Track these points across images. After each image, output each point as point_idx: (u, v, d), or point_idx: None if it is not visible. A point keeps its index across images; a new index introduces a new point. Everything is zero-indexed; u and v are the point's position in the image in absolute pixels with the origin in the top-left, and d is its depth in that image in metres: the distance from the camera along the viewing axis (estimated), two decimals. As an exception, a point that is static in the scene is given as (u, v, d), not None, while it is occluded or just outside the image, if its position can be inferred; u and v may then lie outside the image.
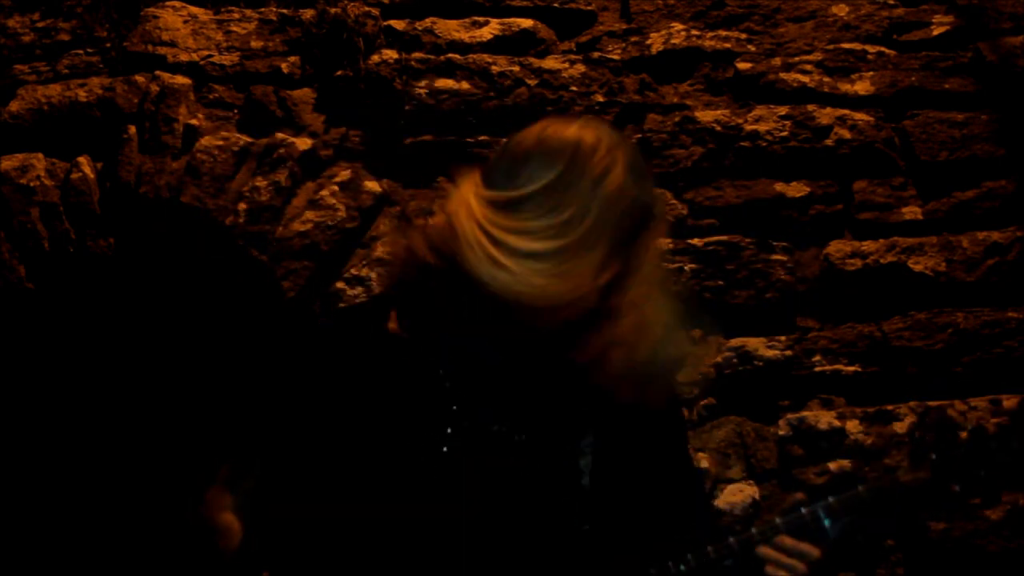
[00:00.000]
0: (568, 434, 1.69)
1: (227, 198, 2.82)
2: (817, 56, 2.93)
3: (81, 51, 2.98)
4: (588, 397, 1.69)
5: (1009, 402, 2.60)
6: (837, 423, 2.65)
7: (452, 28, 2.95)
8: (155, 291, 3.02)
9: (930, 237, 2.79)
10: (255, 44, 2.95)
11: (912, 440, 1.76)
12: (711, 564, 1.62)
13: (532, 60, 2.91)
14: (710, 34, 2.96)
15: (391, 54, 2.89)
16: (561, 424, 1.69)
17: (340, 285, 2.76)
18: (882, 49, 2.95)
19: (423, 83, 2.86)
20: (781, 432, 2.66)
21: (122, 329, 3.13)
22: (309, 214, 2.80)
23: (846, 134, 2.84)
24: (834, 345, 2.72)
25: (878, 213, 2.82)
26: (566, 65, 2.90)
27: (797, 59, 2.93)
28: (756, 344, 2.71)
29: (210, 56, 2.94)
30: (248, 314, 2.90)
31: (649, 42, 2.95)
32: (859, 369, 2.70)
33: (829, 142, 2.84)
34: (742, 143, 2.84)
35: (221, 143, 2.85)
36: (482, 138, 2.81)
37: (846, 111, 2.87)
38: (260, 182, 2.82)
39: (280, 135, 2.86)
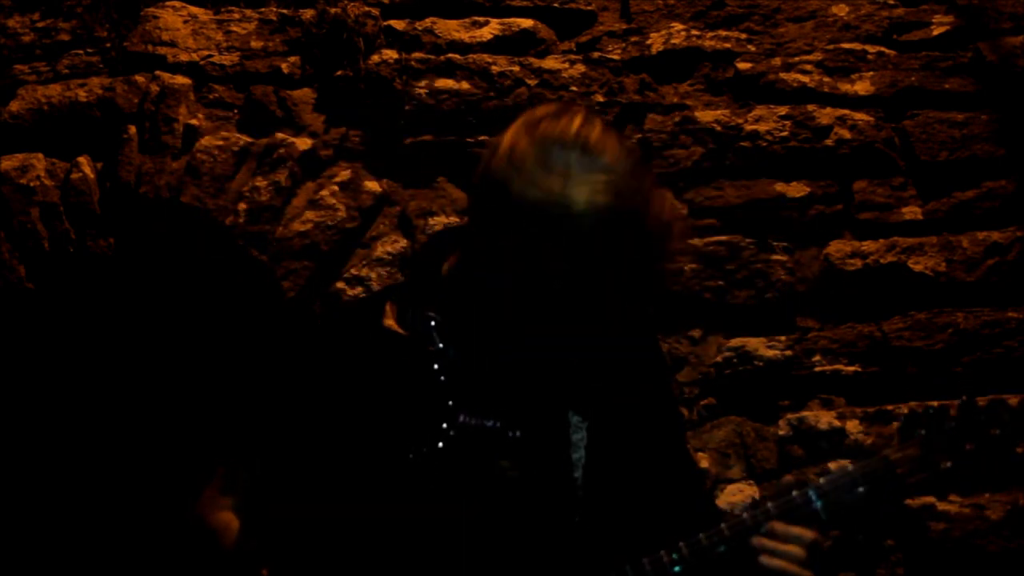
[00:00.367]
0: (562, 429, 1.69)
1: (227, 198, 2.82)
2: (817, 56, 2.93)
3: (81, 51, 2.98)
4: (582, 392, 1.70)
5: (1011, 402, 2.59)
6: (837, 423, 2.65)
7: (452, 28, 2.95)
8: (155, 291, 3.02)
9: (930, 237, 2.79)
10: (255, 44, 2.95)
11: (902, 418, 1.76)
12: (704, 552, 1.61)
13: (532, 60, 2.91)
14: (710, 34, 2.96)
15: (391, 54, 2.89)
16: (555, 419, 1.70)
17: (340, 285, 2.76)
18: (882, 49, 2.95)
19: (423, 83, 2.86)
20: (781, 432, 2.66)
21: (122, 329, 3.13)
22: (309, 214, 2.80)
23: (846, 134, 2.84)
24: (834, 345, 2.72)
25: (878, 213, 2.82)
26: (566, 65, 2.90)
27: (797, 59, 2.93)
28: (756, 344, 2.71)
29: (210, 56, 2.94)
30: (248, 314, 2.90)
31: (649, 42, 2.95)
32: (859, 369, 2.70)
33: (829, 142, 2.84)
34: (742, 143, 2.83)
35: (221, 143, 2.85)
36: (482, 138, 2.81)
37: (846, 111, 2.87)
38: (260, 182, 2.82)
39: (280, 135, 2.86)
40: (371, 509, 1.63)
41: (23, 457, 3.34)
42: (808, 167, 2.83)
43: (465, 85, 2.86)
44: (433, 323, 1.72)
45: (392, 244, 2.79)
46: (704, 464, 2.62)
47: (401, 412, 1.67)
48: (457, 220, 2.78)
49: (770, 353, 2.70)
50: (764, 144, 2.83)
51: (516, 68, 2.88)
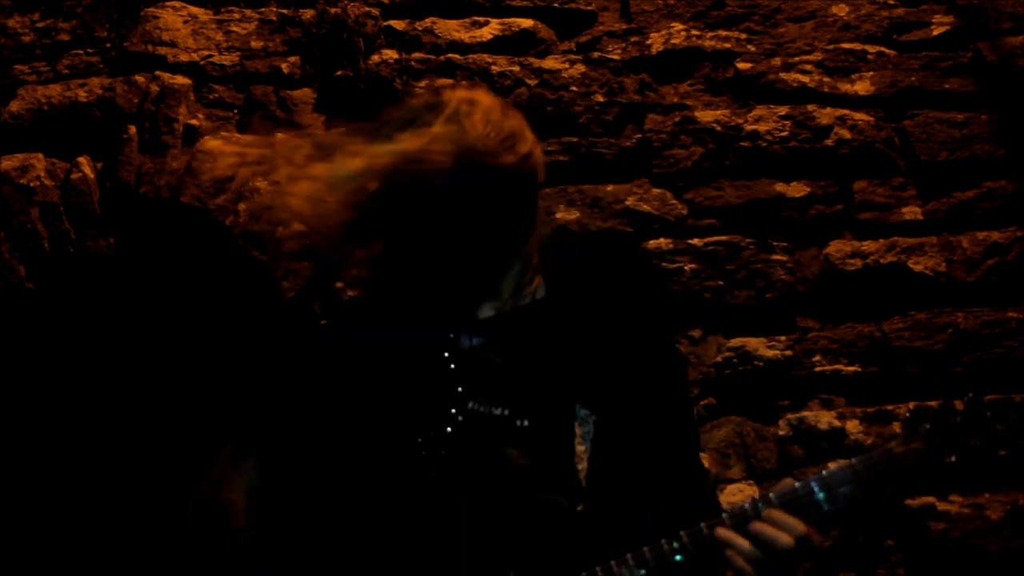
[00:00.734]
0: (569, 421, 1.70)
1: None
2: (817, 56, 2.93)
3: (81, 51, 2.98)
4: (591, 385, 1.70)
5: (1016, 399, 2.59)
6: (837, 423, 2.65)
7: (452, 28, 2.95)
8: (155, 291, 3.02)
9: (930, 237, 2.79)
10: (255, 44, 2.95)
11: (908, 413, 1.74)
12: (704, 540, 1.61)
13: (532, 60, 2.91)
14: (710, 34, 2.96)
15: (391, 54, 2.89)
16: (562, 410, 1.70)
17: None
18: (882, 49, 2.95)
19: (423, 83, 2.86)
20: (781, 432, 2.66)
21: (122, 329, 3.13)
22: (309, 214, 2.80)
23: (846, 134, 2.84)
24: (834, 345, 2.72)
25: (878, 213, 2.82)
26: (566, 65, 2.90)
27: (797, 59, 2.93)
28: (756, 344, 2.71)
29: (210, 56, 2.94)
30: (248, 314, 2.90)
31: (649, 42, 2.95)
32: (859, 369, 2.70)
33: (829, 142, 2.84)
34: (742, 143, 2.84)
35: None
36: (482, 138, 2.81)
37: (846, 111, 2.87)
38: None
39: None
40: (372, 509, 1.65)
41: (25, 456, 3.34)
42: (808, 167, 2.83)
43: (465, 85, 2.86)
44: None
45: (392, 244, 2.79)
46: (704, 464, 2.61)
47: (411, 397, 1.70)
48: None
49: (770, 353, 2.70)
50: (764, 144, 2.83)
51: (516, 68, 2.88)
